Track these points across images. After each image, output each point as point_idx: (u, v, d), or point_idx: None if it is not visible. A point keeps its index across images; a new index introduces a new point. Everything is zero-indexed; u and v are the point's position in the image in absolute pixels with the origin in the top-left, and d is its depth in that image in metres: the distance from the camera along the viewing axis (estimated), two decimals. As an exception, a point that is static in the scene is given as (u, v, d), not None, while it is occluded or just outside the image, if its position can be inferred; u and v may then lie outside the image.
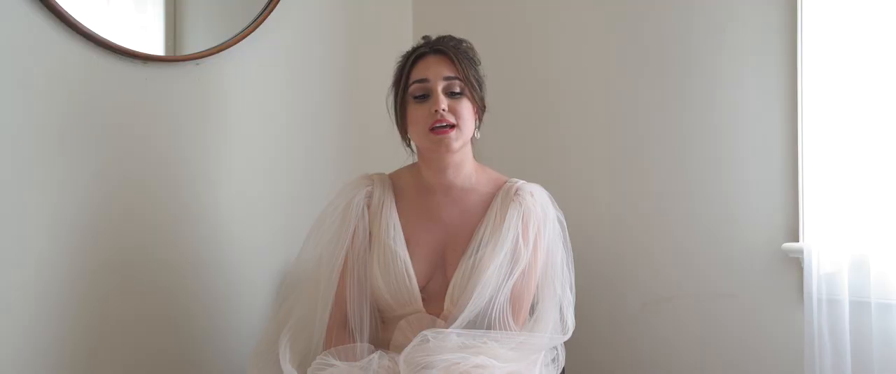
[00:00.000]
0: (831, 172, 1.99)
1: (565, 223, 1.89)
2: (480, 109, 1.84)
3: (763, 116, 2.14)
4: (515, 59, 2.49)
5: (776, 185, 2.13)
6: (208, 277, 2.09)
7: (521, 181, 1.89)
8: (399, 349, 1.72)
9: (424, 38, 1.88)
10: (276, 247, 2.20)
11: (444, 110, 1.76)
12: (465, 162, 1.85)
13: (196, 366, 2.07)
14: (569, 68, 2.44)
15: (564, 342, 1.88)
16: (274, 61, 2.23)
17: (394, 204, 1.87)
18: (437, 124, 1.76)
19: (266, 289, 2.18)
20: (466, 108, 1.79)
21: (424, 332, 1.70)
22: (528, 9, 2.49)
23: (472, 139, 1.85)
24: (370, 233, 1.86)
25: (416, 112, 1.80)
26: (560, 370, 1.88)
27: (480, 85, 1.84)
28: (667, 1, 2.27)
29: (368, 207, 1.87)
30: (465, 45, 1.87)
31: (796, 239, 2.11)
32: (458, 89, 1.79)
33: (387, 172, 1.95)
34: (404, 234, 1.84)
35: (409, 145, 1.89)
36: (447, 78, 1.78)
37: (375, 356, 1.71)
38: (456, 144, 1.78)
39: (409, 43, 1.98)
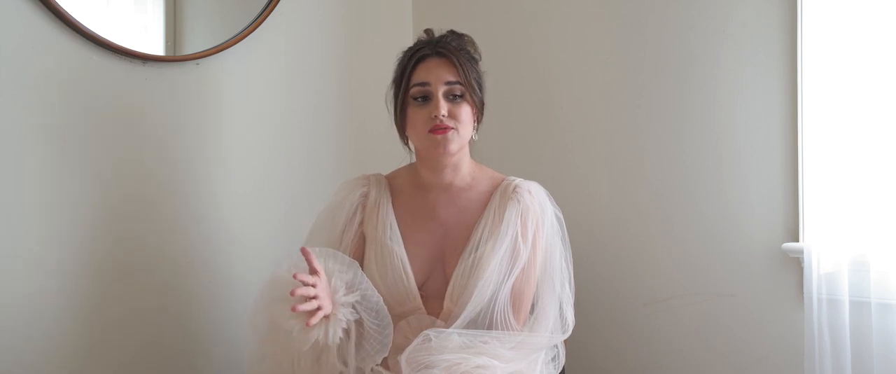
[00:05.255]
0: (831, 172, 1.98)
1: (563, 220, 1.89)
2: (481, 111, 1.84)
3: (763, 116, 2.14)
4: (515, 57, 2.49)
5: (776, 185, 2.13)
6: (206, 276, 2.09)
7: (519, 179, 1.88)
8: (400, 350, 1.72)
9: (426, 31, 1.87)
10: (275, 247, 2.19)
11: (443, 116, 1.75)
12: (462, 162, 1.85)
13: (196, 363, 2.07)
14: (569, 67, 2.44)
15: (564, 341, 1.88)
16: (274, 61, 2.24)
17: (390, 204, 1.87)
18: (436, 127, 1.76)
19: (265, 289, 2.18)
20: (466, 112, 1.79)
21: (426, 331, 1.70)
22: (528, 7, 2.49)
23: (470, 140, 1.85)
24: (364, 233, 1.86)
25: (415, 115, 1.79)
26: (560, 369, 1.88)
27: (481, 86, 1.83)
28: (667, 0, 2.27)
29: (364, 207, 1.87)
30: (466, 39, 1.86)
31: (796, 239, 2.11)
32: (458, 93, 1.78)
33: (385, 173, 1.95)
34: (401, 233, 1.84)
35: (407, 144, 1.89)
36: (449, 82, 1.77)
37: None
38: (453, 147, 1.78)
39: (408, 41, 1.98)
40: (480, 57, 1.88)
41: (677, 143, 2.27)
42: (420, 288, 1.82)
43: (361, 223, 1.87)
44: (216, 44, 2.07)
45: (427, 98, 1.78)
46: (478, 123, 1.85)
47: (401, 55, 1.85)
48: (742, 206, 2.18)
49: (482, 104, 1.83)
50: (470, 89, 1.78)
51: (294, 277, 1.59)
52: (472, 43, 1.87)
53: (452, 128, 1.76)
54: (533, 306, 1.85)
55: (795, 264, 2.11)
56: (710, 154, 2.22)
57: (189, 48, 2.05)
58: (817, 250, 1.99)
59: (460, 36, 1.86)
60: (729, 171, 2.20)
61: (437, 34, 1.85)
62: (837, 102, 1.97)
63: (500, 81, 2.02)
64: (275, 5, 2.18)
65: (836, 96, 1.97)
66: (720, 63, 2.20)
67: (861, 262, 1.96)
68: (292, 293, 1.57)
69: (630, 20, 2.33)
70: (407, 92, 1.80)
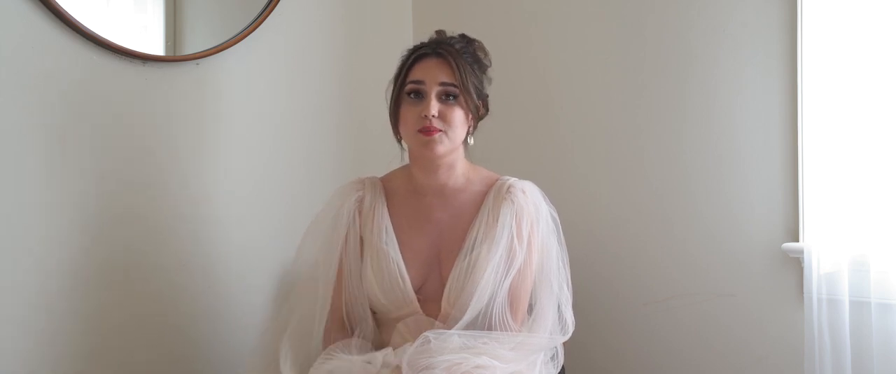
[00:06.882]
0: (831, 172, 1.99)
1: (558, 219, 1.88)
2: (476, 116, 1.83)
3: (763, 116, 2.14)
4: (515, 57, 2.49)
5: (776, 185, 2.13)
6: (206, 278, 2.09)
7: (513, 179, 1.88)
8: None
9: (437, 32, 1.86)
10: (275, 248, 2.20)
11: (433, 116, 1.75)
12: (456, 163, 1.85)
13: (195, 366, 2.07)
14: (569, 67, 2.44)
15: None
16: (274, 61, 2.23)
17: (385, 207, 1.87)
18: (425, 128, 1.76)
19: (264, 290, 2.18)
20: (458, 115, 1.78)
21: (426, 333, 1.70)
22: (528, 7, 2.49)
23: (465, 143, 1.84)
24: (361, 237, 1.85)
25: (407, 111, 1.79)
26: (559, 368, 1.88)
27: (479, 93, 1.82)
28: (667, 0, 2.27)
29: (359, 212, 1.87)
30: (475, 45, 1.85)
31: (796, 239, 2.11)
32: (452, 96, 1.78)
33: (380, 176, 1.94)
34: (397, 236, 1.84)
35: (400, 142, 1.89)
36: (443, 83, 1.77)
37: (381, 353, 1.71)
38: (441, 148, 1.77)
39: (408, 41, 1.99)
40: (490, 64, 1.87)
41: (677, 143, 2.27)
42: (417, 291, 1.82)
43: (360, 228, 1.87)
44: (216, 44, 2.07)
45: (420, 96, 1.78)
46: (474, 127, 1.84)
47: (404, 53, 1.84)
48: (742, 206, 2.18)
49: (477, 110, 1.82)
50: (465, 93, 1.77)
51: None
52: (483, 49, 1.86)
53: (441, 130, 1.76)
54: (531, 306, 1.84)
55: (795, 264, 2.11)
56: (710, 154, 2.22)
57: (189, 48, 2.05)
58: (817, 250, 1.99)
59: (470, 41, 1.85)
60: (729, 171, 2.20)
61: (448, 36, 1.85)
62: (837, 102, 1.98)
63: (500, 81, 2.02)
64: (275, 5, 2.18)
65: (836, 96, 1.98)
66: (720, 63, 2.20)
67: (861, 262, 1.96)
68: None
69: (630, 20, 2.33)
70: (402, 88, 1.80)
